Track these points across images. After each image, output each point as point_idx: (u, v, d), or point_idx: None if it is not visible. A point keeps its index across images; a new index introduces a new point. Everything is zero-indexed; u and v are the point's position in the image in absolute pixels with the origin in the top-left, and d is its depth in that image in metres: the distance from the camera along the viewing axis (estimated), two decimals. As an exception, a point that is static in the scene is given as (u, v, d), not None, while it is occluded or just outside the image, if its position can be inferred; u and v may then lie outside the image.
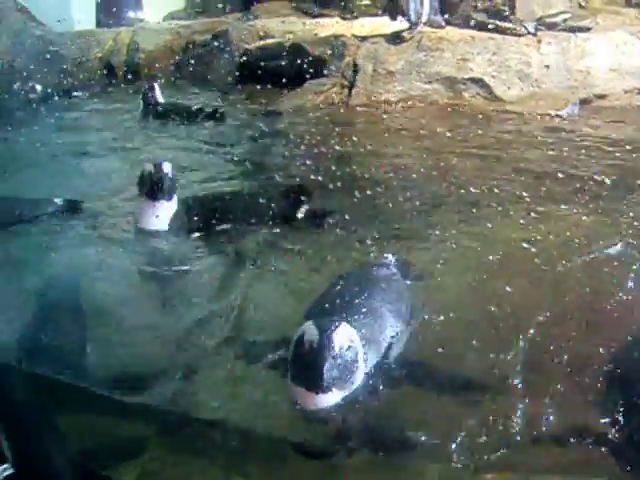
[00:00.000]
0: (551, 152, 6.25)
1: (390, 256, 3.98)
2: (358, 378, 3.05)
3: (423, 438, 2.79)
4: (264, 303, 3.92)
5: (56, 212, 5.15)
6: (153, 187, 4.71)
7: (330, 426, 2.97)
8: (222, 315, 3.76)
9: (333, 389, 2.96)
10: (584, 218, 4.57)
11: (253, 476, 2.76)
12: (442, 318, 3.52)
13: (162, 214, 4.77)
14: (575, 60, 8.96)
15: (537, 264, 3.88)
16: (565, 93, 8.74)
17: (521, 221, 4.52)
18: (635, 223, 4.35)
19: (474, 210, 4.77)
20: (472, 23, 9.53)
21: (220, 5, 12.33)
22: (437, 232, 4.48)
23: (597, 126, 7.47)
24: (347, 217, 4.54)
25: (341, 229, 4.53)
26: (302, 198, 5.06)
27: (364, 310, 3.31)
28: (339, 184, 4.91)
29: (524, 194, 4.91)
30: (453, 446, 2.72)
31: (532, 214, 4.58)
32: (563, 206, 4.81)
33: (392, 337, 3.35)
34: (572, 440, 2.72)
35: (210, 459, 2.84)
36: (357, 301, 3.35)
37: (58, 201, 5.23)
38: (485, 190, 5.03)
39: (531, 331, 3.35)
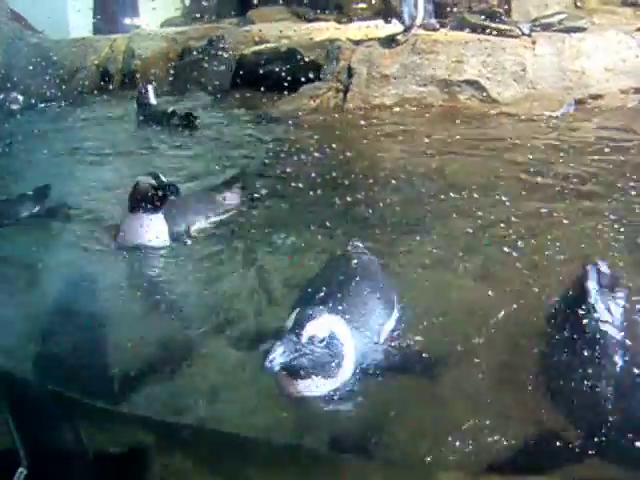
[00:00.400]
0: (540, 154, 6.18)
1: (359, 244, 3.94)
2: (345, 368, 3.04)
3: (415, 437, 2.78)
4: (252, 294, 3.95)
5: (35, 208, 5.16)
6: (158, 199, 4.46)
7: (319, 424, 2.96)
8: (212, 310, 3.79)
9: (313, 377, 2.97)
10: (565, 221, 4.54)
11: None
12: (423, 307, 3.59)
13: (161, 227, 4.56)
14: (570, 60, 8.91)
15: (517, 267, 3.87)
16: (560, 94, 8.70)
17: (501, 225, 4.50)
18: (615, 226, 4.31)
19: (454, 215, 4.74)
20: (466, 25, 9.49)
21: (216, 11, 12.36)
22: (417, 237, 4.47)
23: (589, 127, 7.42)
24: (328, 224, 4.52)
25: (319, 232, 4.53)
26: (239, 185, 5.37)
27: (353, 298, 3.31)
28: (319, 190, 4.90)
29: (503, 198, 4.85)
30: (446, 444, 2.71)
31: (513, 218, 4.55)
32: (544, 210, 4.78)
33: (382, 324, 3.36)
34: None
35: (206, 464, 2.82)
36: (345, 288, 3.34)
37: (30, 193, 5.23)
38: (465, 195, 5.00)
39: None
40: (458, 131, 7.27)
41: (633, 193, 4.90)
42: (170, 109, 8.45)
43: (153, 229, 4.52)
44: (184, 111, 8.37)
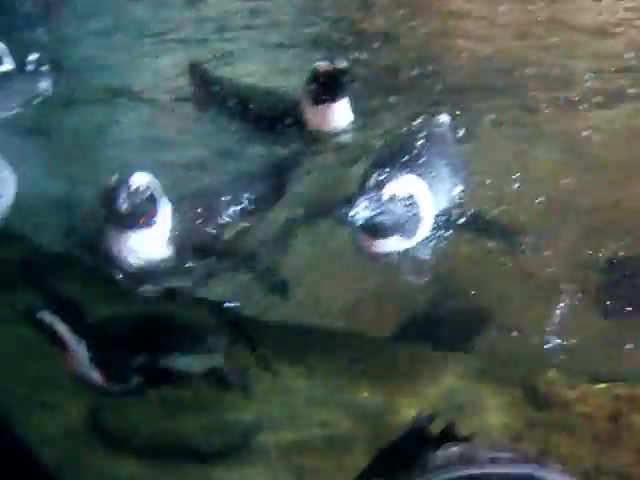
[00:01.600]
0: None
1: (445, 116, 3.97)
2: (423, 229, 3.20)
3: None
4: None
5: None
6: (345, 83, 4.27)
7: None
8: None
9: (394, 235, 3.14)
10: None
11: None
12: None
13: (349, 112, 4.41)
14: None
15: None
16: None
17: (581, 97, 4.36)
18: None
19: (534, 87, 4.56)
20: None
21: None
22: (497, 107, 4.37)
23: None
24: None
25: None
26: None
27: (428, 163, 3.42)
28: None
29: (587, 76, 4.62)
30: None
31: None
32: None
33: (451, 189, 3.47)
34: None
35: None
36: (421, 154, 3.47)
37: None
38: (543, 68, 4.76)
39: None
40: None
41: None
42: None
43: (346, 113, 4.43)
44: None
